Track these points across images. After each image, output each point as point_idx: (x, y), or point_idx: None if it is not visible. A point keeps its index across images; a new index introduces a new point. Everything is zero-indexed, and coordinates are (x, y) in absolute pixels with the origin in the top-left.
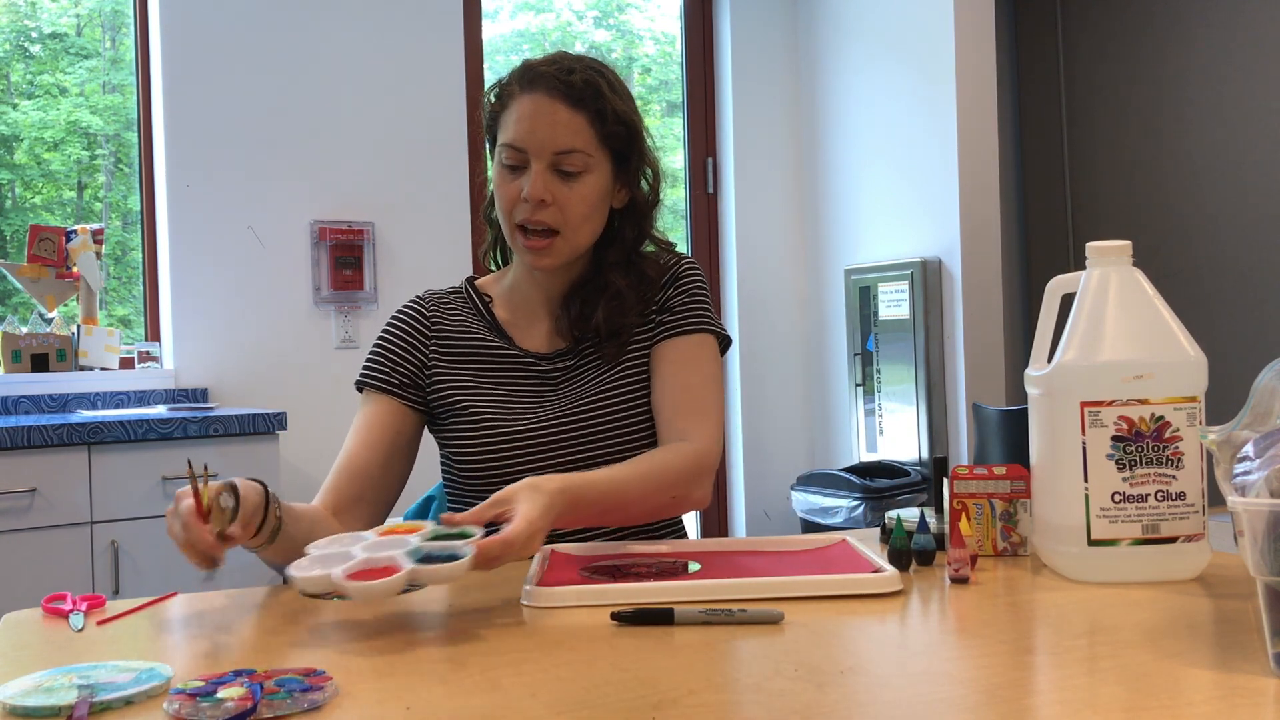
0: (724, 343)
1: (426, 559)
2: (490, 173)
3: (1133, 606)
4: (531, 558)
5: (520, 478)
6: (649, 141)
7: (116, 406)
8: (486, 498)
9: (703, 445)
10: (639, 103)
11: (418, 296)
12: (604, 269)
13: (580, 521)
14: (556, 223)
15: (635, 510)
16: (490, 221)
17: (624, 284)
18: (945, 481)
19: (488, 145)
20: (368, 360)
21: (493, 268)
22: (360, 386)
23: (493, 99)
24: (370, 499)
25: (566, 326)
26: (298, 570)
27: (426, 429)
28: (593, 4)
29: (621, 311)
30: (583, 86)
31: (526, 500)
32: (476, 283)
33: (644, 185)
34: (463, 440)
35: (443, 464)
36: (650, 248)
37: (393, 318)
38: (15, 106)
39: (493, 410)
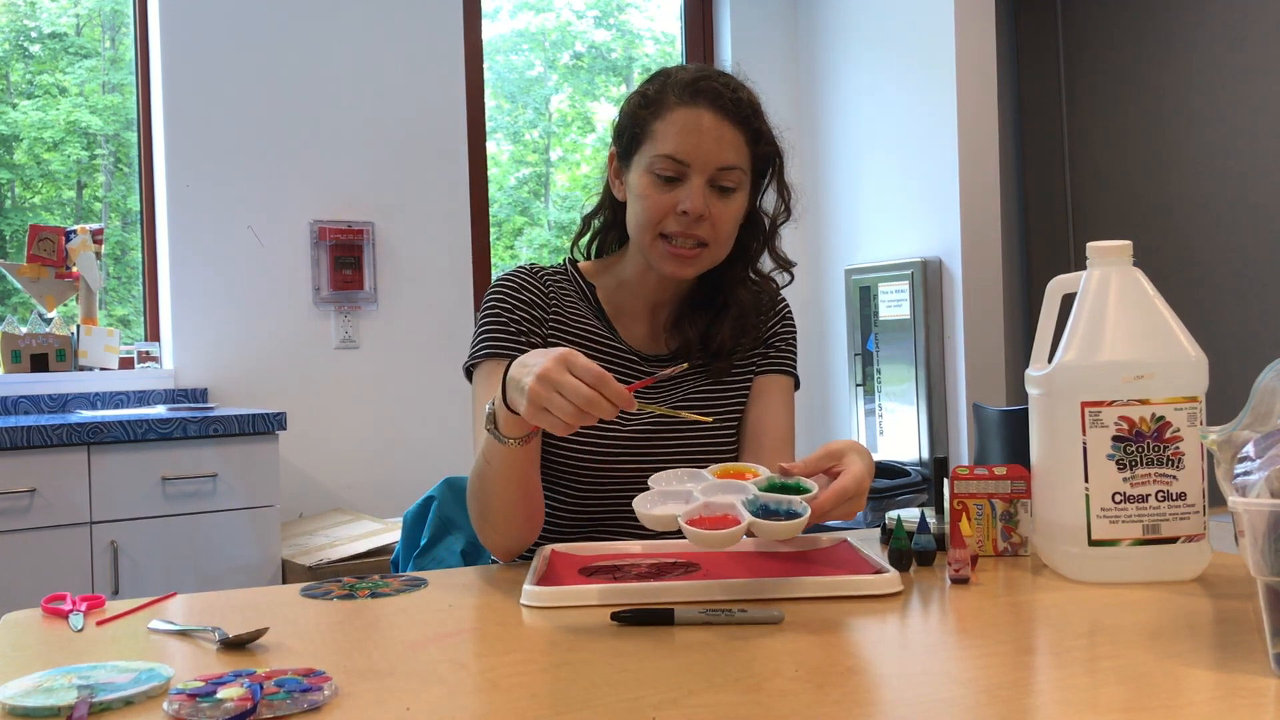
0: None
1: (763, 511)
2: (627, 177)
3: (1133, 607)
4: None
5: (611, 471)
6: (787, 162)
7: (116, 406)
8: (569, 488)
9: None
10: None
11: (524, 268)
12: (728, 286)
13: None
14: (708, 237)
15: None
16: (589, 222)
17: (748, 301)
18: (945, 482)
19: (618, 149)
20: (488, 330)
21: (577, 257)
22: (477, 362)
23: (639, 105)
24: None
25: (681, 338)
26: (643, 505)
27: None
28: (593, 4)
29: (744, 329)
30: (746, 104)
31: (858, 458)
32: (579, 266)
33: (768, 204)
34: None
35: None
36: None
37: (505, 287)
38: (15, 106)
39: None
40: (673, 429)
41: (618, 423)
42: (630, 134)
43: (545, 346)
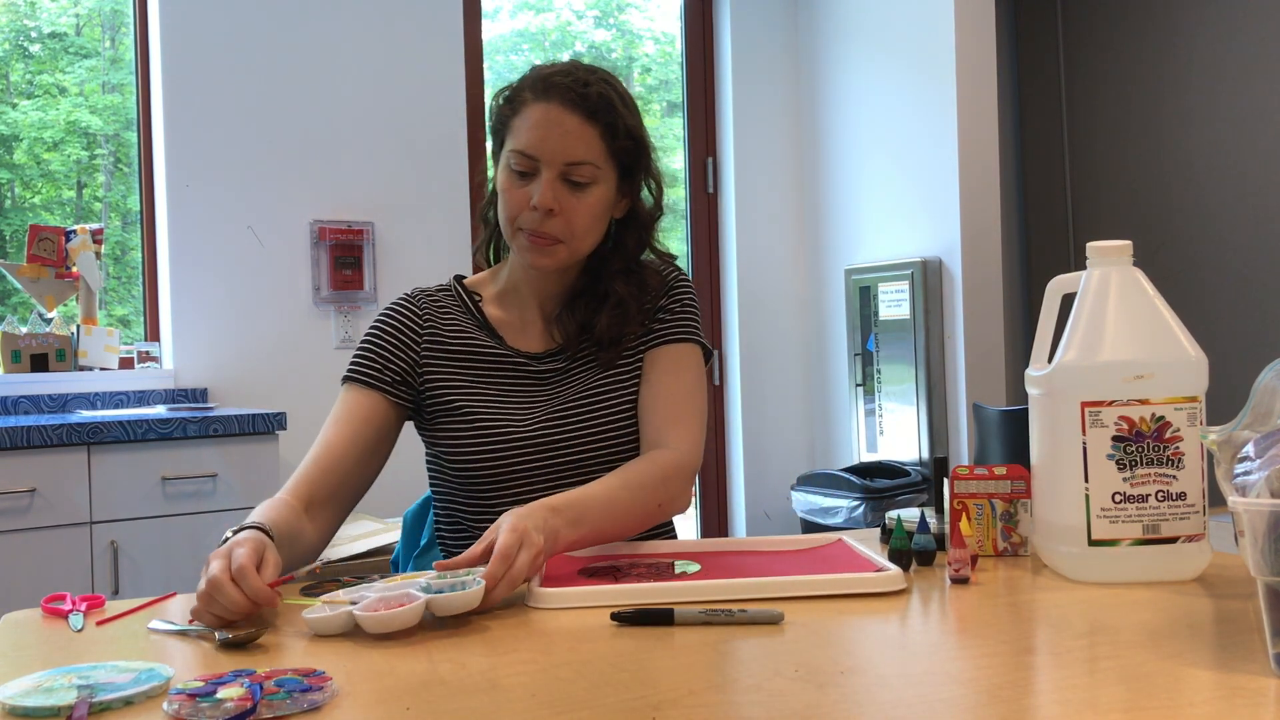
0: (707, 355)
1: (436, 594)
2: (493, 173)
3: (1133, 607)
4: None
5: (512, 477)
6: (655, 156)
7: (116, 406)
8: (476, 498)
9: (683, 452)
10: (639, 103)
11: (407, 294)
12: (607, 277)
13: (584, 540)
14: (562, 233)
15: (628, 521)
16: (486, 220)
17: (626, 292)
18: (945, 482)
19: (492, 146)
20: (357, 356)
21: (486, 265)
22: (346, 381)
23: (502, 102)
24: (344, 495)
25: (563, 330)
26: (314, 614)
27: (415, 429)
28: (593, 4)
29: (624, 319)
30: (597, 100)
31: (506, 518)
32: (465, 281)
33: (648, 198)
34: (455, 440)
35: (430, 464)
36: (649, 257)
37: (383, 315)
38: (15, 106)
39: (485, 409)
40: (571, 424)
41: (514, 424)
42: (495, 131)
43: (415, 370)
